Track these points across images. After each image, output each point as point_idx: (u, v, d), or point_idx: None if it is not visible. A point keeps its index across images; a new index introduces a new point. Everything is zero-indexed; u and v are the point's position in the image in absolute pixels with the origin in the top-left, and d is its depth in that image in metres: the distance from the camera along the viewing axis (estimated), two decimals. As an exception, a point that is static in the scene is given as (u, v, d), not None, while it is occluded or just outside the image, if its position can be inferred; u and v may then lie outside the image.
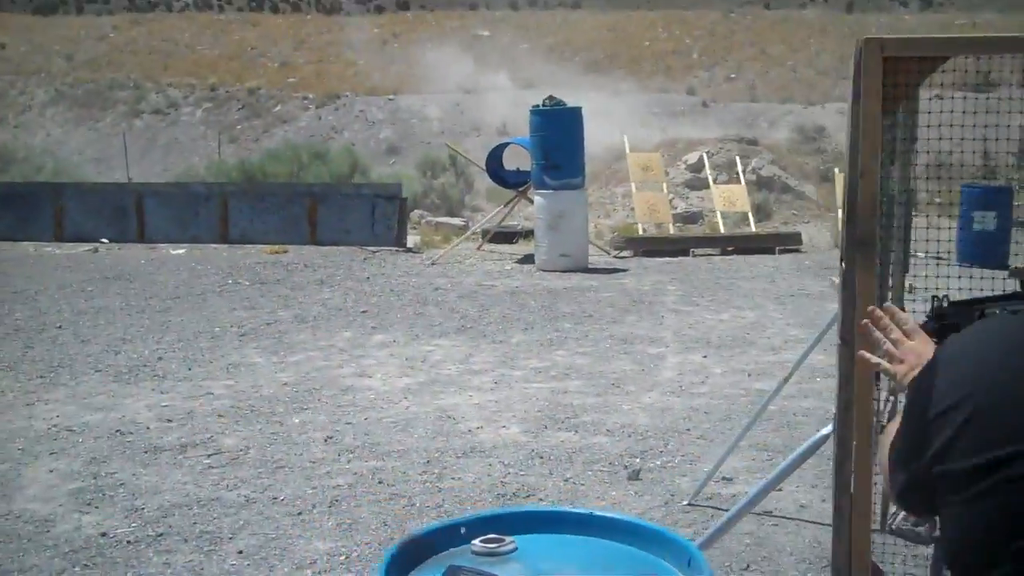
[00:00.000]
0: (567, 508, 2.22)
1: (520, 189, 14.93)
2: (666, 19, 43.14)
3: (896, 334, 2.04)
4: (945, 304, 2.18)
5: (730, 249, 14.69)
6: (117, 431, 6.44)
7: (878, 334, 2.01)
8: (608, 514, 2.19)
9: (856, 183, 2.73)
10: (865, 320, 1.99)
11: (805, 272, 12.86)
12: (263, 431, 6.43)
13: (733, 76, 32.86)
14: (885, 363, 2.16)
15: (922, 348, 1.98)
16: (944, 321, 2.08)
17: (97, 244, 15.84)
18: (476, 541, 2.07)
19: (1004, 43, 2.68)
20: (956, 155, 3.99)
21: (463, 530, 2.14)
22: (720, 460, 5.08)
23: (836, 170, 14.55)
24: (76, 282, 12.48)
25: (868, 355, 2.17)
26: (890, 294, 4.05)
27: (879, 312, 1.97)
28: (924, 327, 1.95)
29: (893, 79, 2.65)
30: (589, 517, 2.19)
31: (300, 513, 5.06)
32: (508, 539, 2.08)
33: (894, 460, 1.60)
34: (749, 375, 7.68)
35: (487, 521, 2.18)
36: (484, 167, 15.66)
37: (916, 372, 1.96)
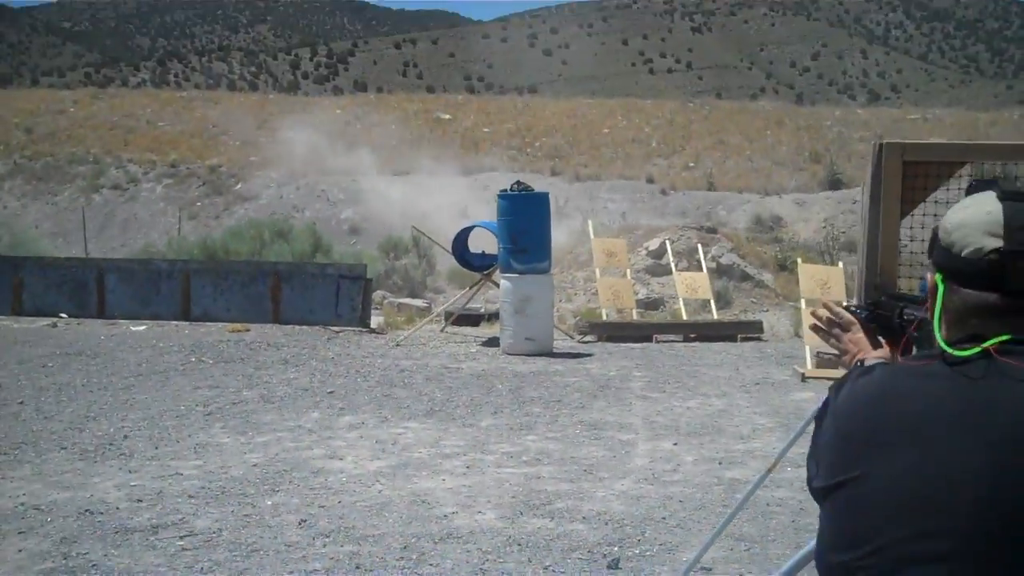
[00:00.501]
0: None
1: (485, 272, 15.03)
2: (625, 107, 43.78)
3: (837, 329, 2.41)
4: (882, 298, 2.55)
5: (693, 336, 14.81)
6: (86, 510, 6.35)
7: (825, 331, 2.37)
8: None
9: (874, 282, 2.80)
10: (813, 321, 2.37)
11: (768, 360, 12.98)
12: (235, 513, 6.36)
13: (692, 165, 33.34)
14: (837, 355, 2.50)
15: (858, 337, 2.39)
16: (879, 311, 2.43)
17: (56, 319, 15.69)
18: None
19: (1021, 151, 2.78)
20: (906, 254, 4.10)
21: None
22: (701, 550, 5.08)
23: (799, 260, 14.76)
24: (36, 357, 12.35)
25: (823, 351, 2.51)
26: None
27: (822, 311, 2.32)
28: (858, 316, 2.30)
29: (912, 183, 2.74)
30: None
31: (278, 598, 5.00)
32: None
33: (808, 464, 1.83)
34: (720, 463, 7.72)
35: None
36: (450, 250, 15.76)
37: (856, 359, 2.34)
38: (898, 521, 1.59)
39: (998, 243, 1.63)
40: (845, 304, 2.46)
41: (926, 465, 1.59)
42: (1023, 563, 1.52)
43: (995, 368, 1.60)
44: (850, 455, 1.68)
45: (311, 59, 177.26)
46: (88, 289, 16.12)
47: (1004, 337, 1.62)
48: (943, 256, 1.71)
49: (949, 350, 1.65)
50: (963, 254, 1.67)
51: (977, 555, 1.54)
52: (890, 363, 1.94)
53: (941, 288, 1.72)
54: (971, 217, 1.69)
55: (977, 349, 1.62)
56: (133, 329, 14.98)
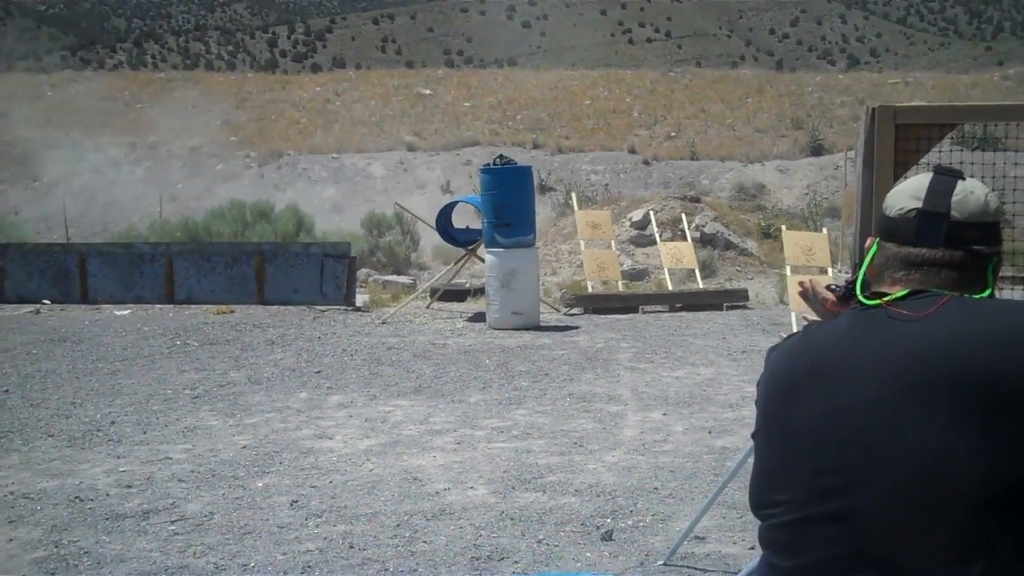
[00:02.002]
0: (589, 574, 2.22)
1: (470, 247, 14.99)
2: (606, 79, 43.66)
3: (818, 301, 2.58)
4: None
5: (679, 306, 14.82)
6: (76, 498, 6.31)
7: (811, 300, 2.56)
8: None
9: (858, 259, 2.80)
10: (800, 290, 2.61)
11: (754, 328, 13.00)
12: (226, 496, 6.33)
13: (674, 134, 33.29)
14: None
15: (836, 308, 2.52)
16: (850, 287, 2.51)
17: (39, 305, 15.60)
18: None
19: (1009, 111, 2.77)
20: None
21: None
22: (695, 520, 5.09)
23: (783, 227, 14.75)
24: (20, 344, 12.28)
25: (807, 316, 2.70)
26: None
27: (807, 284, 2.55)
28: (836, 294, 2.44)
29: (904, 145, 2.74)
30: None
31: (272, 580, 4.98)
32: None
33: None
34: (710, 432, 7.73)
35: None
36: (434, 225, 15.72)
37: None
38: (808, 457, 1.81)
39: (919, 204, 1.93)
40: (827, 284, 2.57)
41: (826, 405, 1.81)
42: (917, 487, 1.69)
43: (887, 315, 1.85)
44: (771, 404, 1.94)
45: (289, 37, 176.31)
46: (71, 274, 16.02)
47: (902, 292, 1.88)
48: (880, 218, 2.02)
49: (861, 299, 1.93)
50: (891, 213, 1.97)
51: (877, 483, 1.73)
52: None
53: (874, 249, 2.01)
54: (906, 186, 2.00)
55: (877, 301, 1.89)
56: (117, 314, 14.91)
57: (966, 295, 1.86)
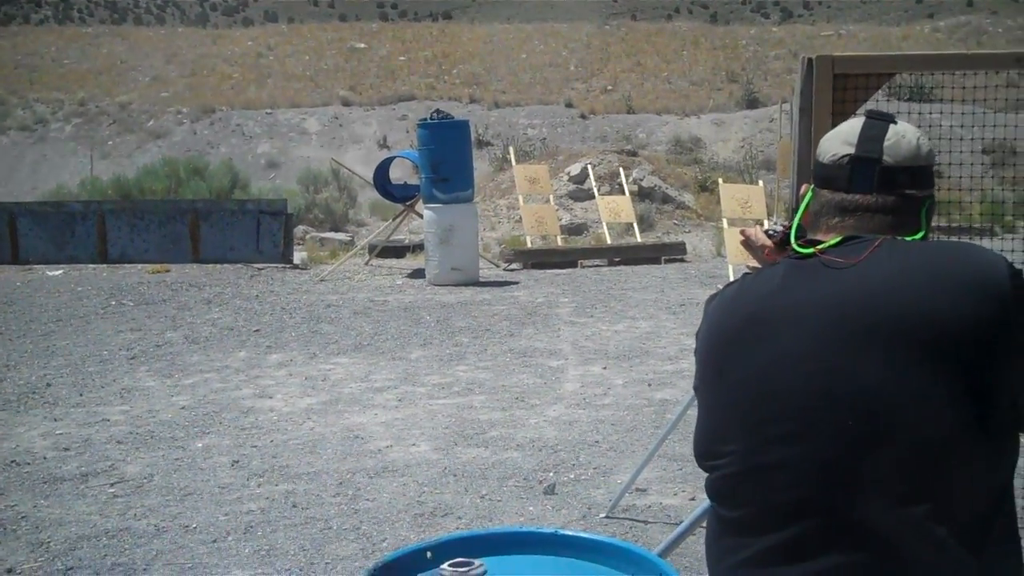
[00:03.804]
0: (533, 528, 2.22)
1: (408, 203, 14.92)
2: (541, 32, 43.47)
3: (759, 250, 2.59)
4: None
5: (617, 260, 14.89)
6: (12, 462, 6.23)
7: (752, 248, 2.56)
8: (573, 532, 2.20)
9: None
10: (741, 239, 2.59)
11: (692, 281, 13.10)
12: (166, 457, 6.28)
13: (610, 88, 33.27)
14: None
15: (775, 257, 2.51)
16: (788, 233, 2.47)
17: (-32, 266, 15.28)
18: (444, 565, 2.05)
19: (947, 60, 2.79)
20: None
21: (429, 554, 2.12)
22: (636, 473, 5.14)
23: (720, 180, 14.85)
24: (-50, 307, 12.03)
25: (749, 265, 2.72)
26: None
27: (748, 232, 2.53)
28: (774, 239, 2.45)
29: (843, 95, 2.75)
30: (554, 536, 2.20)
31: (215, 540, 4.96)
32: (477, 562, 2.07)
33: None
34: (650, 385, 7.80)
35: (453, 544, 2.17)
36: (372, 181, 15.60)
37: None
38: (752, 407, 1.80)
39: (851, 150, 1.91)
40: (766, 228, 2.57)
41: (767, 355, 1.80)
42: (861, 433, 1.69)
43: (821, 263, 1.84)
44: (712, 355, 1.92)
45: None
46: (0, 234, 15.69)
47: (835, 240, 1.86)
48: (814, 165, 1.99)
49: (796, 248, 1.90)
50: (824, 160, 1.95)
51: (821, 430, 1.72)
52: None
53: (808, 195, 1.99)
54: (838, 131, 1.97)
55: (810, 250, 1.87)
56: (49, 274, 14.66)
57: (899, 238, 1.86)
